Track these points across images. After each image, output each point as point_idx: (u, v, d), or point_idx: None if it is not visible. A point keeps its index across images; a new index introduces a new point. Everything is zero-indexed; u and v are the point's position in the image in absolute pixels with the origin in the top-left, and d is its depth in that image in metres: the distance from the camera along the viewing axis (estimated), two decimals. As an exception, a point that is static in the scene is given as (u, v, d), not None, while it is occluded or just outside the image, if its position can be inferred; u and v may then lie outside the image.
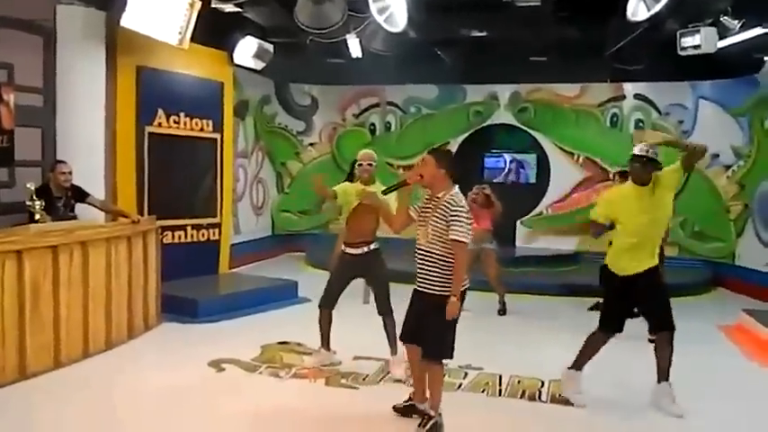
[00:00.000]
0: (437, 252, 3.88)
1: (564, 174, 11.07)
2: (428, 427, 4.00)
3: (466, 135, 11.51)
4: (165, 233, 7.43)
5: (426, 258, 3.92)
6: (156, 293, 6.61)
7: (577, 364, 4.70)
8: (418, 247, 3.98)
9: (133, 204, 7.23)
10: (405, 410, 4.34)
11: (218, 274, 8.51)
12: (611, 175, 10.69)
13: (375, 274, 5.25)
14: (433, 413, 4.03)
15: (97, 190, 6.63)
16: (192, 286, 7.51)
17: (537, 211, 11.28)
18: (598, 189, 10.83)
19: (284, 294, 7.95)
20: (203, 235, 8.30)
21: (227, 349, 5.83)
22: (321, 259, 9.43)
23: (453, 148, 11.54)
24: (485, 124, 11.44)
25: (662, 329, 4.50)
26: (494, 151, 11.58)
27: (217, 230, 8.50)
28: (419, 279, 3.99)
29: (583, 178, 11.02)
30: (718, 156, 10.01)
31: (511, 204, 11.21)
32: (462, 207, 3.90)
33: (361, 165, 5.26)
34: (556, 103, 11.12)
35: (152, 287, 6.54)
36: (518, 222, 11.41)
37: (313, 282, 8.71)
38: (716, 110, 10.07)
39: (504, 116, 11.36)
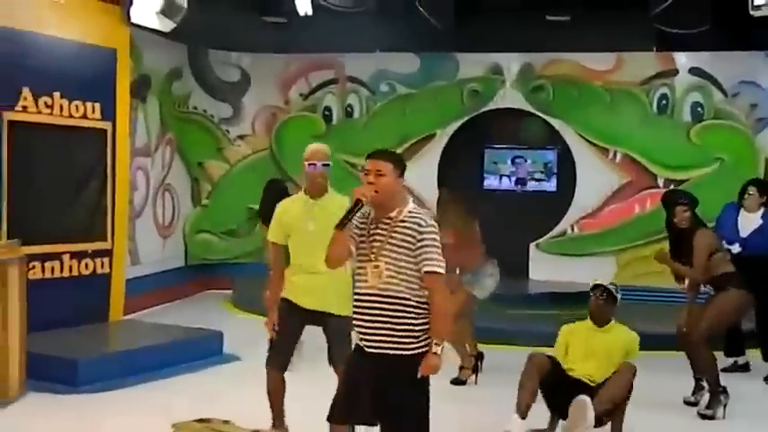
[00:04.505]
0: (402, 294, 3.87)
1: (595, 177, 11.23)
2: None
3: (459, 124, 11.63)
4: (32, 265, 7.33)
5: (385, 305, 3.88)
6: (18, 351, 6.48)
7: None
8: (365, 291, 3.93)
9: (-14, 223, 7.16)
10: None
11: (107, 321, 8.42)
12: (660, 182, 10.91)
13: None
14: None
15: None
16: (70, 340, 7.39)
17: (558, 229, 11.41)
18: (643, 199, 11.02)
19: (203, 350, 7.89)
20: (87, 266, 8.21)
21: (121, 430, 5.75)
22: (253, 299, 9.40)
23: (442, 140, 11.67)
24: (485, 109, 11.57)
25: None
26: (497, 147, 11.70)
27: (106, 260, 8.42)
28: (372, 336, 3.92)
29: (621, 184, 11.19)
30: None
31: (521, 221, 11.42)
32: (435, 227, 3.93)
33: (313, 165, 5.23)
34: (583, 80, 11.30)
35: (13, 342, 6.42)
36: (532, 246, 11.52)
37: (243, 331, 8.72)
38: (801, 89, 10.36)
39: (511, 97, 11.50)
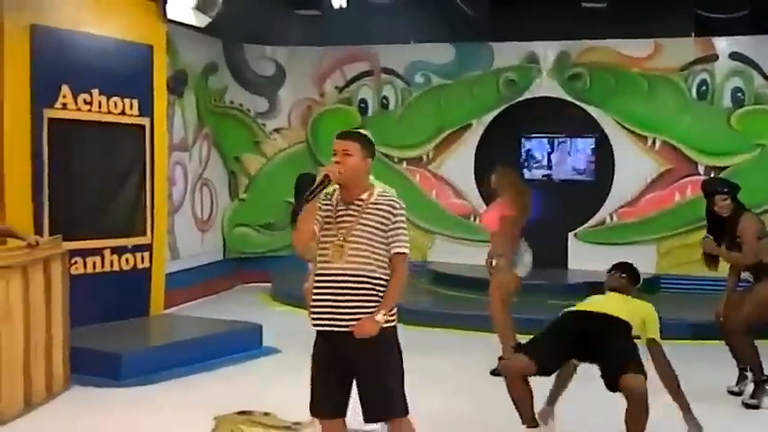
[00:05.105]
0: (374, 274, 3.96)
1: (634, 165, 11.14)
2: None
3: (495, 113, 11.61)
4: (74, 260, 7.44)
5: (355, 284, 3.94)
6: (62, 346, 6.61)
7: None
8: (329, 272, 3.97)
9: (28, 220, 7.22)
10: None
11: (148, 316, 8.51)
12: (700, 169, 10.80)
13: None
14: None
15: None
16: (113, 335, 7.52)
17: (597, 218, 11.33)
18: (683, 187, 10.91)
19: (243, 343, 7.96)
20: (127, 261, 8.31)
21: (164, 423, 5.83)
22: (292, 292, 9.45)
23: (479, 130, 11.64)
24: (521, 98, 11.53)
25: None
26: (534, 136, 11.66)
27: (146, 254, 8.51)
28: (342, 314, 3.95)
29: (660, 172, 11.09)
30: None
31: (558, 210, 11.34)
32: (405, 210, 4.06)
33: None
34: (620, 67, 11.20)
35: (57, 337, 6.54)
36: (570, 235, 11.46)
37: (282, 324, 8.78)
38: None
39: (547, 86, 11.45)
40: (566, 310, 5.56)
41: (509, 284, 7.33)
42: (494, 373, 7.32)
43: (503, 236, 7.34)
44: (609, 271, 5.58)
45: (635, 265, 5.69)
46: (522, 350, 5.35)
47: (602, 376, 4.99)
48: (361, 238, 3.94)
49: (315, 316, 4.03)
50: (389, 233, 3.96)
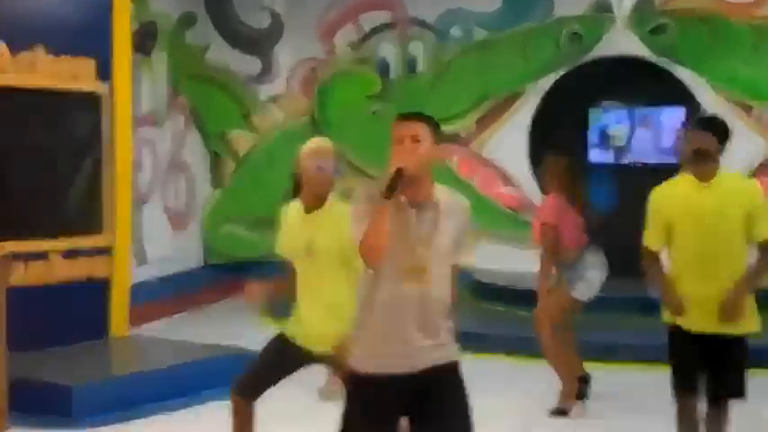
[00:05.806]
0: (447, 296, 4.00)
1: (736, 144, 10.92)
2: None
3: (556, 78, 11.59)
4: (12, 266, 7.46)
5: (433, 312, 3.95)
6: (-3, 376, 6.66)
7: None
8: (403, 297, 3.91)
9: (-46, 215, 7.31)
10: None
11: (108, 338, 8.55)
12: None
13: None
14: None
15: None
16: (62, 362, 7.52)
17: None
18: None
19: (228, 373, 7.84)
20: (80, 268, 8.33)
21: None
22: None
23: (533, 100, 11.59)
24: (589, 57, 11.50)
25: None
26: (605, 107, 11.60)
27: (105, 259, 8.54)
28: (421, 352, 3.94)
29: (771, 152, 11.05)
30: None
31: (637, 203, 11.24)
32: None
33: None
34: (718, 16, 11.13)
35: (-10, 365, 6.57)
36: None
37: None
38: None
39: (623, 41, 11.38)
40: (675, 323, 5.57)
41: (557, 307, 7.27)
42: (555, 412, 7.28)
43: (545, 249, 7.31)
44: (687, 127, 5.47)
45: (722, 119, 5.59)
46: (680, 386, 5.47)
47: (713, 387, 5.29)
48: (441, 253, 3.94)
49: (381, 357, 3.96)
50: (457, 241, 3.99)
